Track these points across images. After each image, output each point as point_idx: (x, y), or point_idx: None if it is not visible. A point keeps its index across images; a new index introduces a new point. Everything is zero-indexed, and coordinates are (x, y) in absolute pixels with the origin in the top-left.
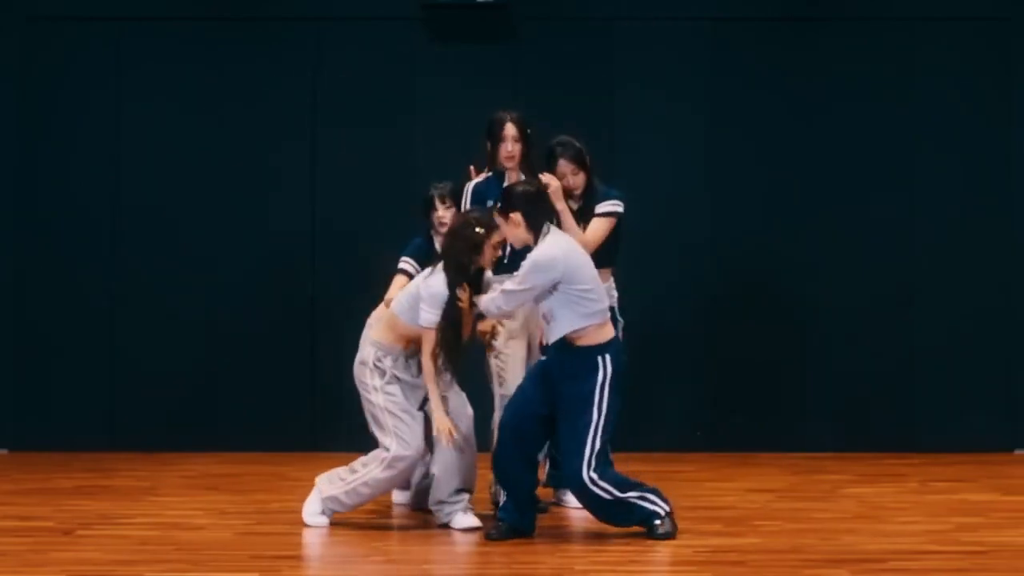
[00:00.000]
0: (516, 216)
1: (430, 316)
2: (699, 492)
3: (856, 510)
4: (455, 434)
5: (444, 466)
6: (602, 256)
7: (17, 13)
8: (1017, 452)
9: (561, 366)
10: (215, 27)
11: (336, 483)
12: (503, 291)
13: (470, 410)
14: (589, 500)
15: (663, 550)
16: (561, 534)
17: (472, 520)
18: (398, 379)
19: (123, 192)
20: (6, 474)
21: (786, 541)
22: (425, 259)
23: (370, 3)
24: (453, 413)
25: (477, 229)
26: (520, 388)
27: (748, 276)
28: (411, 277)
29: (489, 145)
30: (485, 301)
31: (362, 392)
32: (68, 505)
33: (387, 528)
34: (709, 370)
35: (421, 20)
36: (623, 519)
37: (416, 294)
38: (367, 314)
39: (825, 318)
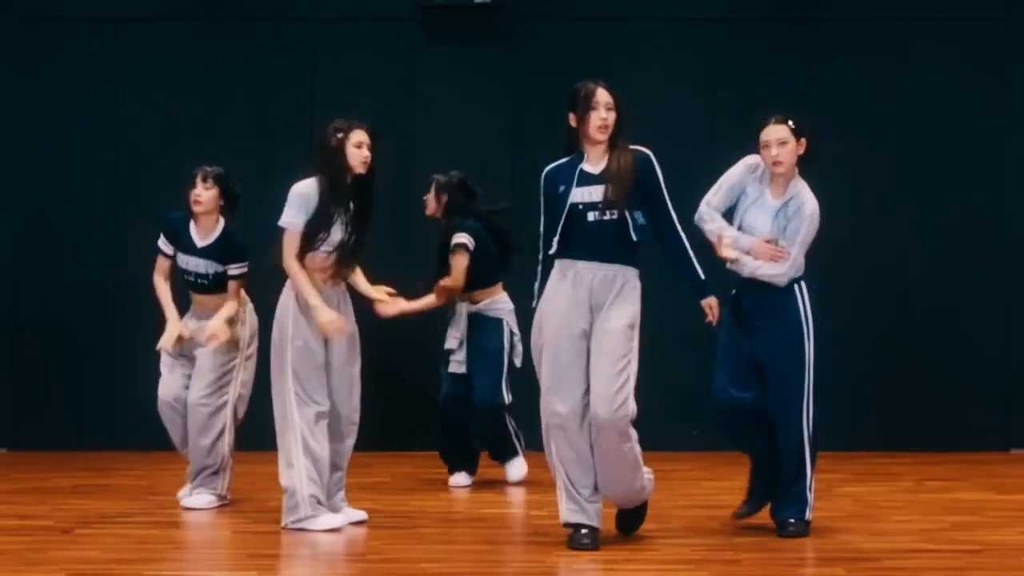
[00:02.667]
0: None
1: (289, 216)
2: (695, 491)
3: (851, 509)
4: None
5: None
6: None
7: (14, 13)
8: (1012, 451)
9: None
10: (212, 27)
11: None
12: (795, 254)
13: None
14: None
15: (660, 548)
16: (553, 531)
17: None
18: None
19: (122, 191)
20: (5, 473)
21: (782, 540)
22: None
23: (367, 4)
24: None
25: (337, 134)
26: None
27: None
28: None
29: (574, 118)
30: (785, 267)
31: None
32: (67, 504)
33: (384, 527)
34: (703, 370)
35: (418, 21)
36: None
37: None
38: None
39: (819, 317)
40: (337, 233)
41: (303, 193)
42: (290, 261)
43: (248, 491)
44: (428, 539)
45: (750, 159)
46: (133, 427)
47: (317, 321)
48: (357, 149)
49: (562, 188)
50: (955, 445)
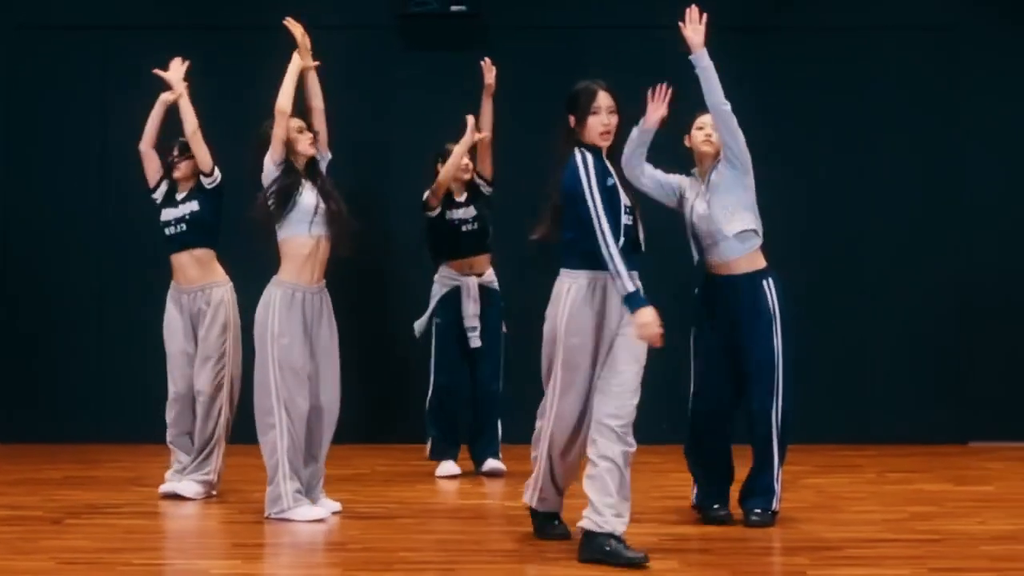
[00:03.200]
0: None
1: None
2: (666, 483)
3: (815, 500)
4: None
5: None
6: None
7: (6, 22)
8: (970, 444)
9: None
10: (197, 36)
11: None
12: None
13: None
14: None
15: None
16: (528, 521)
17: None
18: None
19: (109, 193)
20: None
21: (748, 529)
22: None
23: (347, 13)
24: None
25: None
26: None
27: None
28: None
29: (573, 120)
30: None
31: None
32: (57, 495)
33: (364, 517)
34: (673, 364)
35: (396, 29)
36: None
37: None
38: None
39: (787, 311)
40: (310, 198)
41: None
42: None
43: (233, 482)
44: (406, 529)
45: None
46: (121, 420)
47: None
48: (299, 134)
49: (611, 182)
50: (916, 438)
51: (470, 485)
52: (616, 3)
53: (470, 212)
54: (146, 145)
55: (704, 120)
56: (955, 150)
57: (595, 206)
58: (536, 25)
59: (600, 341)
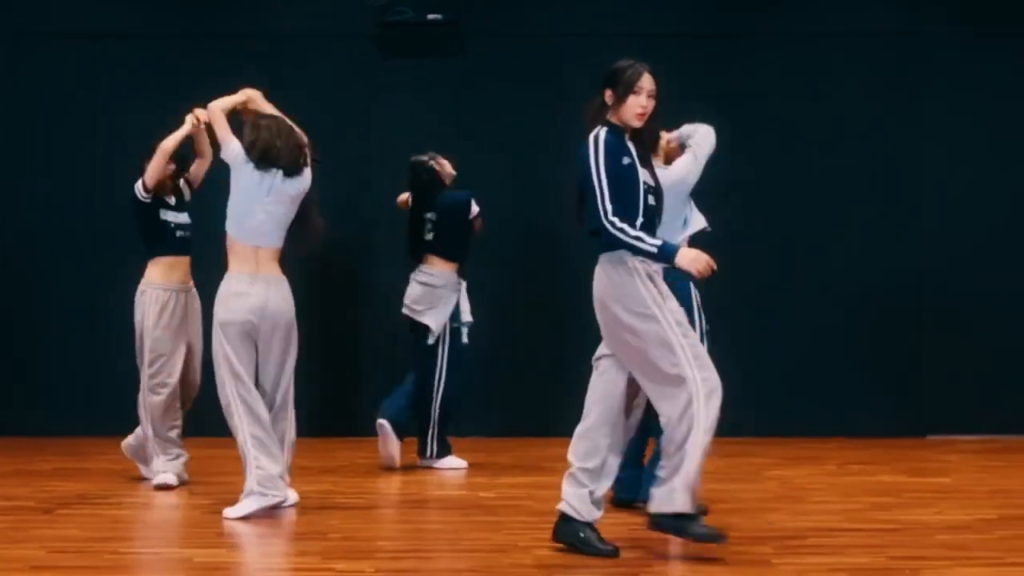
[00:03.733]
0: None
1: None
2: None
3: (778, 491)
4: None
5: None
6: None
7: (4, 28)
8: (927, 437)
9: None
10: (183, 44)
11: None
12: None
13: None
14: None
15: (601, 528)
16: (502, 511)
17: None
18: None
19: (100, 192)
20: None
21: (714, 520)
22: None
23: (328, 22)
24: None
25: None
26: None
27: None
28: None
29: (611, 96)
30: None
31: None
32: (47, 486)
33: (344, 508)
34: None
35: (376, 37)
36: None
37: None
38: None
39: (751, 311)
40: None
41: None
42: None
43: (216, 474)
44: (384, 519)
45: None
46: (109, 414)
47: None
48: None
49: (627, 161)
50: (875, 431)
51: (445, 478)
52: (592, 12)
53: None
54: (170, 146)
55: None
56: (913, 151)
57: (598, 182)
58: (512, 33)
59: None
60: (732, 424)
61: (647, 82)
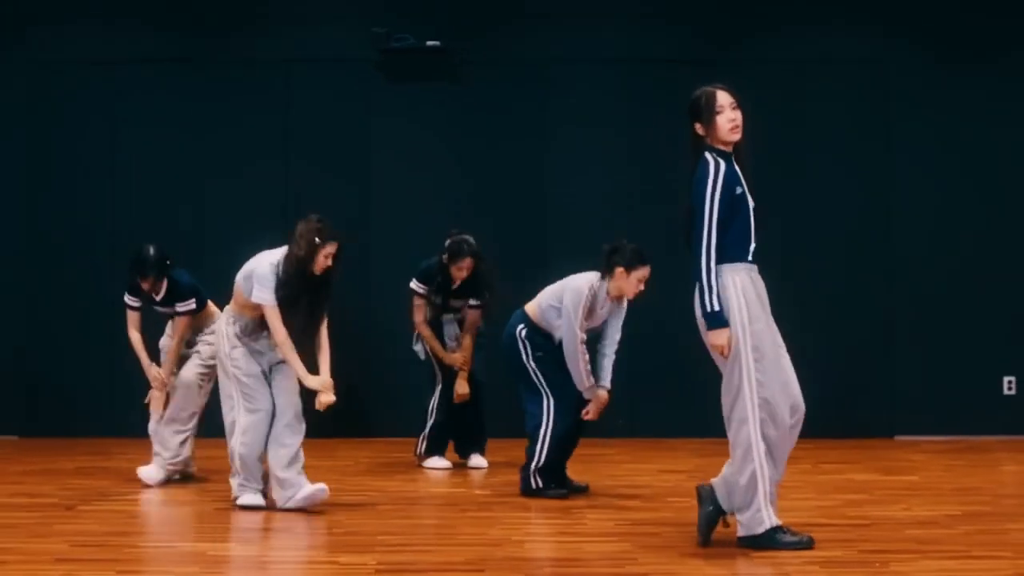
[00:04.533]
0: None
1: (263, 294)
2: (619, 472)
3: None
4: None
5: None
6: None
7: (24, 58)
8: (896, 438)
9: None
10: (197, 69)
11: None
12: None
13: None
14: None
15: (589, 523)
16: (496, 507)
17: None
18: (240, 342)
19: (118, 209)
20: (16, 457)
21: (696, 515)
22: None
23: (334, 48)
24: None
25: (316, 238)
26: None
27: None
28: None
29: (701, 127)
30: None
31: (219, 371)
32: (70, 484)
33: (348, 505)
34: (629, 365)
35: (377, 63)
36: None
37: (252, 269)
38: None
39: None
40: (299, 313)
41: (265, 276)
42: (277, 333)
43: (226, 472)
44: (386, 514)
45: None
46: (130, 416)
47: (305, 383)
48: (324, 259)
49: (739, 191)
50: (847, 433)
51: (445, 476)
52: (582, 38)
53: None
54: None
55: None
56: (886, 171)
57: (710, 215)
58: (506, 60)
59: (771, 323)
60: (712, 425)
61: (724, 98)
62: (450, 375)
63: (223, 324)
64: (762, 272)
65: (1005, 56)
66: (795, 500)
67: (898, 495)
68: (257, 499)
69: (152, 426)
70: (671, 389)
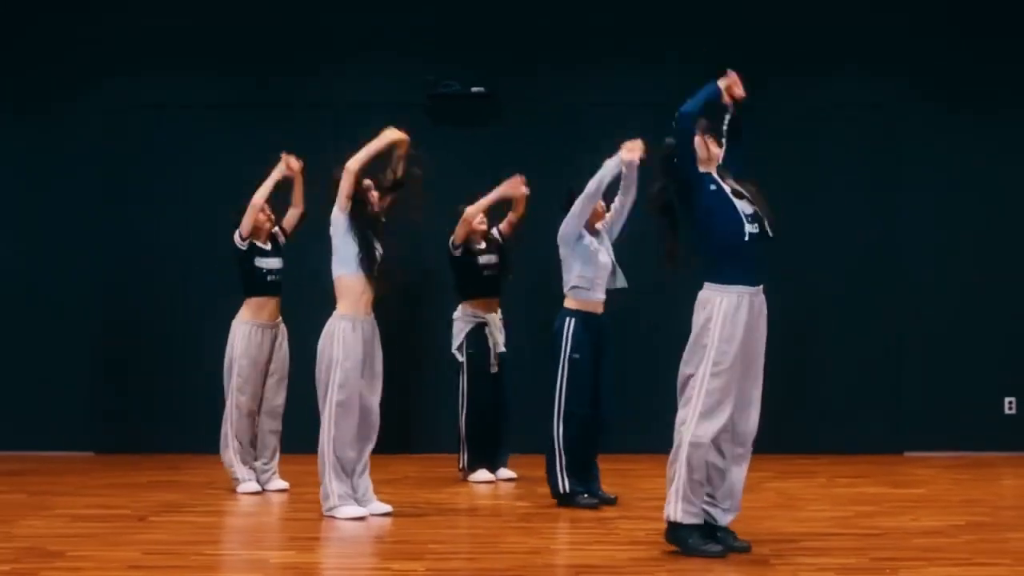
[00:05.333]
0: None
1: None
2: (650, 486)
3: (775, 500)
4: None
5: None
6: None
7: (98, 107)
8: (906, 454)
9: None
10: (251, 113)
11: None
12: None
13: None
14: None
15: (622, 532)
16: (536, 518)
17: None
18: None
19: (195, 239)
20: (93, 472)
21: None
22: None
23: (384, 92)
24: None
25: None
26: None
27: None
28: None
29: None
30: None
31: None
32: (143, 496)
33: (398, 516)
34: (663, 380)
35: (426, 107)
36: None
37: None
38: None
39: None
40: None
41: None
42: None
43: (292, 485)
44: (435, 525)
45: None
46: (200, 433)
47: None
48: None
49: (714, 187)
50: (860, 449)
51: (487, 488)
52: (615, 84)
53: (492, 259)
54: (260, 199)
55: None
56: (896, 207)
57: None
58: (546, 104)
59: (746, 353)
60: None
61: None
62: (475, 384)
63: (336, 328)
64: (781, 298)
65: (1011, 104)
66: (813, 511)
67: (907, 507)
68: (358, 510)
69: (229, 456)
70: None
